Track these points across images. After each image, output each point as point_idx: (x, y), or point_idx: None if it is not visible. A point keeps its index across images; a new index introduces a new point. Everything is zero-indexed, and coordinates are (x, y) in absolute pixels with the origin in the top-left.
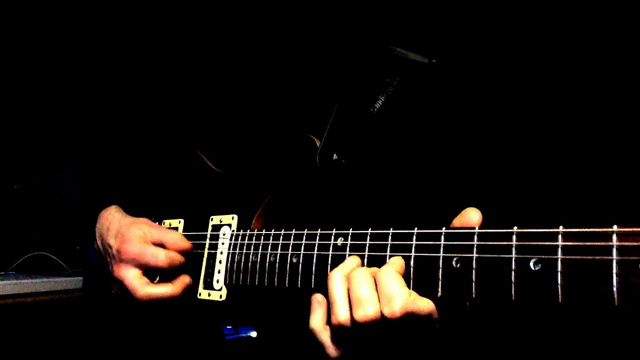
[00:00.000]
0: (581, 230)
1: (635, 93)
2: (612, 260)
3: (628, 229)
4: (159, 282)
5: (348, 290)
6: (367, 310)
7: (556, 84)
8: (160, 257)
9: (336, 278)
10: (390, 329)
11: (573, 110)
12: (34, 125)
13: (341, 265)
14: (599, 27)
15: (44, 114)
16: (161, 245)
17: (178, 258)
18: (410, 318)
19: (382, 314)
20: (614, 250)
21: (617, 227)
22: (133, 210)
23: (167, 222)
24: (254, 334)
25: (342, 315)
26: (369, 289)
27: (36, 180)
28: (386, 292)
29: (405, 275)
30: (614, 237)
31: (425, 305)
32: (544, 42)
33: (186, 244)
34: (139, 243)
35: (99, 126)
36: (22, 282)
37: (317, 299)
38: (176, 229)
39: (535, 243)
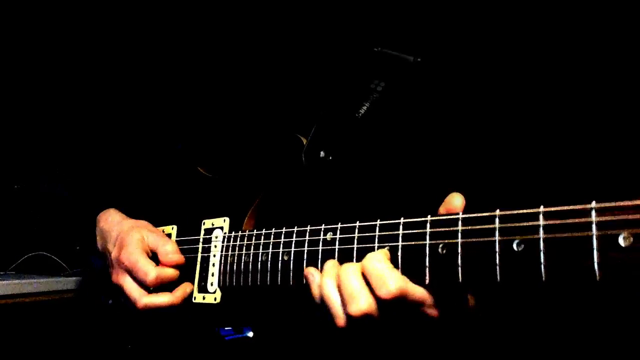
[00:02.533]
0: (561, 208)
1: (608, 76)
2: (592, 235)
3: (606, 205)
4: (157, 289)
5: (339, 288)
6: (360, 305)
7: (536, 76)
8: (150, 276)
9: (328, 283)
10: (386, 313)
11: (551, 103)
12: (33, 125)
13: (325, 271)
14: (580, 21)
15: (44, 114)
16: (156, 252)
17: (168, 275)
18: (404, 301)
19: (378, 298)
20: (594, 226)
21: (596, 204)
22: (129, 215)
23: (160, 229)
24: (250, 333)
25: (342, 319)
26: (358, 281)
27: (36, 180)
28: (379, 275)
29: (393, 265)
30: (593, 213)
31: (416, 288)
32: (523, 36)
33: (177, 259)
34: (135, 251)
35: (93, 130)
36: (22, 282)
37: (311, 271)
38: (170, 235)
39: (517, 224)
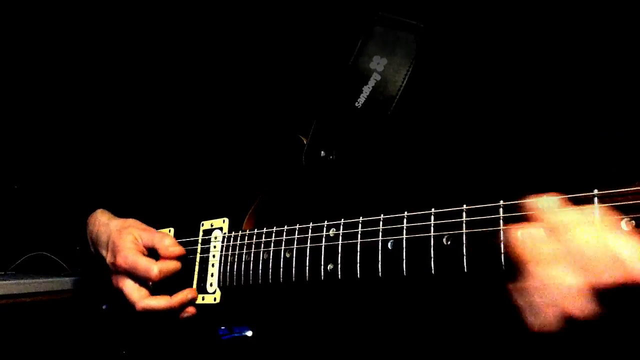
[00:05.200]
0: (566, 196)
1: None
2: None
3: (608, 191)
4: (157, 291)
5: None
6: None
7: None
8: (153, 273)
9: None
10: None
11: (560, 90)
12: (33, 124)
13: None
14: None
15: (44, 114)
16: (153, 248)
17: (172, 267)
18: None
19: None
20: (597, 211)
21: (598, 191)
22: (121, 214)
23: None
24: (249, 333)
25: None
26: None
27: (36, 180)
28: None
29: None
30: (596, 200)
31: None
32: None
33: (179, 250)
34: (131, 253)
35: (84, 130)
36: (22, 282)
37: None
38: None
39: (521, 213)
